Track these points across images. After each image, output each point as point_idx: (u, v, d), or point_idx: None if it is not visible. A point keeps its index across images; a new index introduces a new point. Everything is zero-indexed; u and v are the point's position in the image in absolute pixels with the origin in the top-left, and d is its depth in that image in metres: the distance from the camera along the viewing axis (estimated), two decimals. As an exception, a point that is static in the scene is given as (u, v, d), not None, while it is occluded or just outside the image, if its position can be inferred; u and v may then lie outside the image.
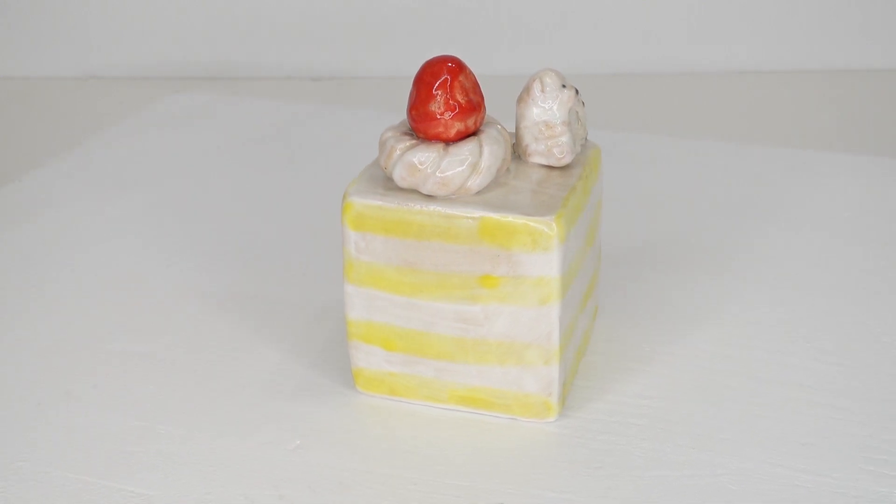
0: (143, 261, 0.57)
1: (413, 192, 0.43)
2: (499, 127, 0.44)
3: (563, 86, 0.45)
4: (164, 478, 0.42)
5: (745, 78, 0.96)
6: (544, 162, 0.45)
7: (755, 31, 0.97)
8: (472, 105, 0.43)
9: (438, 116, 0.42)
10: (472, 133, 0.43)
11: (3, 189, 0.66)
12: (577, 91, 0.45)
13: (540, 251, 0.42)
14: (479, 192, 0.43)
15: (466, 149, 0.42)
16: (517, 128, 0.45)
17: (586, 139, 0.47)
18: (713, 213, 0.63)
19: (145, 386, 0.48)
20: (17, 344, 0.50)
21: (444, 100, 0.42)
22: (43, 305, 0.53)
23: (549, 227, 0.42)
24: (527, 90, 0.45)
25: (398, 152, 0.43)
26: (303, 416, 0.46)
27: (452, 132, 0.42)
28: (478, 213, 0.42)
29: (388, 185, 0.44)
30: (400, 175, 0.43)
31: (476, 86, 0.43)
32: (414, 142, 0.43)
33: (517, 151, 0.45)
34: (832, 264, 0.57)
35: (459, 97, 0.42)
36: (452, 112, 0.42)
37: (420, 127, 0.43)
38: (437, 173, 0.42)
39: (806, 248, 0.58)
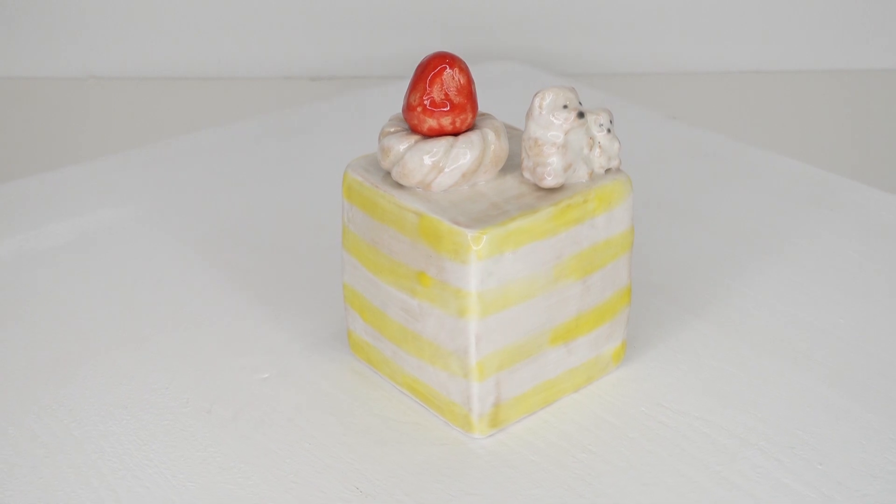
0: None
1: (389, 175, 0.44)
2: (491, 134, 0.43)
3: (565, 106, 0.42)
4: (139, 363, 0.49)
5: (745, 78, 0.92)
6: (531, 179, 0.43)
7: (755, 31, 0.93)
8: (454, 105, 0.43)
9: (414, 109, 0.43)
10: (450, 132, 0.43)
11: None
12: (581, 114, 0.42)
13: (460, 262, 0.41)
14: (445, 191, 0.43)
15: (435, 146, 0.43)
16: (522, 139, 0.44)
17: (617, 169, 0.45)
18: (720, 232, 0.57)
19: (178, 315, 0.53)
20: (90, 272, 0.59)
21: (421, 94, 0.43)
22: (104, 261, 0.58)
23: (472, 240, 0.41)
24: (531, 104, 0.43)
25: (382, 135, 0.44)
26: (288, 362, 0.49)
27: (425, 127, 0.43)
28: (420, 210, 0.42)
29: (386, 165, 0.45)
30: (378, 157, 0.44)
31: (464, 88, 0.43)
32: (399, 128, 0.44)
33: (521, 163, 0.44)
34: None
35: (436, 95, 0.42)
36: (426, 107, 0.42)
37: (404, 116, 0.44)
38: (400, 163, 0.43)
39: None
